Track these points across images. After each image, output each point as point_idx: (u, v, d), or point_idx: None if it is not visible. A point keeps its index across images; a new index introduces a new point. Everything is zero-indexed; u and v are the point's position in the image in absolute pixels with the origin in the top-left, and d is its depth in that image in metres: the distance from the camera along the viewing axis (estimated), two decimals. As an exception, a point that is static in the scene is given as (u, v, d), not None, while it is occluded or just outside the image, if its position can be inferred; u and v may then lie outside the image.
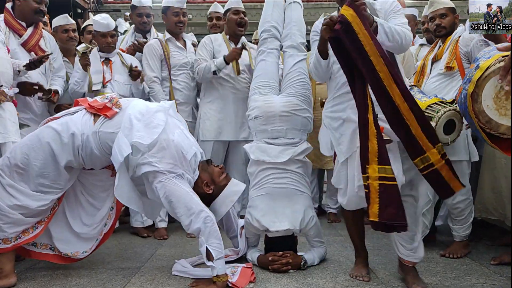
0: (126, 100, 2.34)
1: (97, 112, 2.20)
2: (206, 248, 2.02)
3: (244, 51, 3.17)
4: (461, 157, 2.51)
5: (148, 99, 3.07)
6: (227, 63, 3.10)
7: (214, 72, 3.09)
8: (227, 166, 3.30)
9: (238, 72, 3.16)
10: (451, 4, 2.75)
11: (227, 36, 3.28)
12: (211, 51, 3.20)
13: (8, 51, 2.55)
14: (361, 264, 2.26)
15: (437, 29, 2.68)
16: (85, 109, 2.25)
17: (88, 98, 2.37)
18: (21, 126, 2.59)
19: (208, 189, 2.24)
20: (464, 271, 2.30)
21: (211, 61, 3.13)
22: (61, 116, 2.27)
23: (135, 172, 2.15)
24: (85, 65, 3.00)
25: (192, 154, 2.20)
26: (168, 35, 3.33)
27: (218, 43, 3.24)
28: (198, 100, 3.44)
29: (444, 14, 2.68)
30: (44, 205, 2.17)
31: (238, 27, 3.23)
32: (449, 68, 2.56)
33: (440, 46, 2.71)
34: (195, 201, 2.09)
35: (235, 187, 2.32)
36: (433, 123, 2.10)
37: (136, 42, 3.42)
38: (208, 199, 2.24)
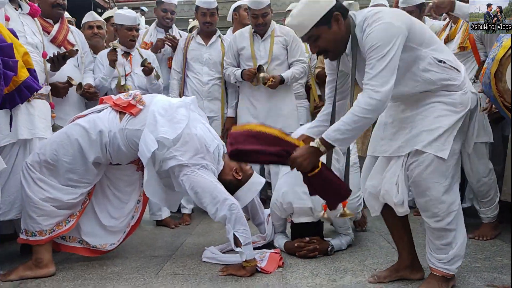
0: (149, 96, 2.41)
1: (122, 110, 2.28)
2: (234, 234, 2.07)
3: (268, 42, 3.24)
4: (480, 139, 2.45)
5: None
6: (243, 79, 3.23)
7: (236, 82, 3.27)
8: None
9: (255, 85, 3.23)
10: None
11: (253, 30, 3.31)
12: (235, 52, 3.32)
13: (45, 55, 2.62)
14: (392, 268, 2.01)
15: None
16: (111, 107, 2.33)
17: (112, 96, 2.44)
18: (57, 127, 2.64)
19: (237, 175, 2.34)
20: (494, 252, 2.28)
21: (234, 71, 3.25)
22: (87, 114, 2.35)
23: (161, 167, 2.23)
24: (113, 61, 3.08)
25: (215, 146, 2.29)
26: (195, 32, 3.46)
27: (242, 39, 3.31)
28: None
29: None
30: (75, 198, 2.26)
31: (257, 27, 3.26)
32: (462, 48, 2.55)
33: (451, 26, 2.67)
34: (219, 189, 2.16)
35: (259, 178, 2.46)
36: None
37: (169, 37, 3.49)
38: (234, 186, 2.32)
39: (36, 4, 2.70)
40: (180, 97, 3.25)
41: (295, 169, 1.75)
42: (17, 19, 2.49)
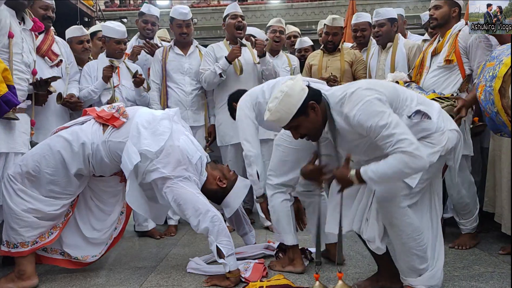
0: (132, 109, 2.42)
1: (106, 122, 2.29)
2: (217, 246, 2.09)
3: (245, 49, 3.27)
4: (462, 152, 2.52)
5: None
6: (230, 63, 3.20)
7: (221, 75, 3.19)
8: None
9: (241, 71, 3.25)
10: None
11: (228, 42, 3.39)
12: (214, 59, 3.32)
13: (35, 73, 2.61)
14: (373, 277, 2.04)
15: (429, 20, 2.75)
16: (94, 118, 2.34)
17: (96, 108, 2.45)
18: (35, 144, 2.56)
19: (222, 184, 2.37)
20: (473, 261, 2.34)
21: (214, 65, 3.23)
22: (70, 126, 2.36)
23: (144, 179, 2.24)
24: (108, 77, 3.10)
25: (198, 158, 2.32)
26: (172, 43, 3.47)
27: (220, 50, 3.35)
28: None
29: (438, 6, 2.68)
30: (57, 209, 2.26)
31: (236, 31, 3.33)
32: (448, 61, 2.57)
33: (439, 40, 2.73)
34: (202, 201, 2.18)
35: (243, 181, 2.49)
36: None
37: (147, 44, 3.51)
38: (221, 194, 2.36)
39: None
40: (163, 108, 3.29)
41: None
42: (19, 34, 2.49)
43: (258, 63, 3.31)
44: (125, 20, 10.00)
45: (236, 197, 2.41)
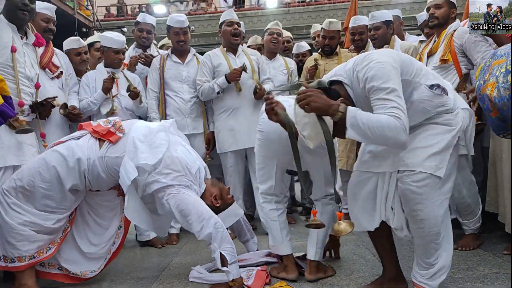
0: (128, 123, 2.41)
1: (102, 137, 2.28)
2: (220, 253, 2.07)
3: (244, 57, 3.30)
4: (461, 151, 2.52)
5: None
6: (229, 82, 3.21)
7: (218, 92, 3.23)
8: (248, 173, 3.43)
9: (240, 89, 3.26)
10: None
11: (225, 49, 3.39)
12: (211, 69, 3.31)
13: (38, 86, 2.63)
14: (376, 281, 2.03)
15: (430, 19, 2.72)
16: (90, 133, 2.33)
17: (92, 122, 2.44)
18: None
19: (216, 202, 2.33)
20: (477, 262, 2.32)
21: (213, 81, 3.23)
22: (66, 140, 2.34)
23: (144, 191, 2.23)
24: (108, 89, 3.11)
25: (196, 168, 2.30)
26: (169, 52, 3.47)
27: (217, 57, 3.35)
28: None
29: (439, 5, 2.70)
30: (52, 223, 2.23)
31: (233, 37, 3.33)
32: (443, 61, 2.59)
33: (435, 41, 2.73)
34: (204, 207, 2.17)
35: (237, 209, 2.48)
36: None
37: (142, 55, 3.52)
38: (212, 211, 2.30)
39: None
40: (162, 116, 3.30)
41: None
42: (21, 49, 2.50)
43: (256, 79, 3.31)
44: (124, 29, 10.05)
45: (225, 219, 2.34)
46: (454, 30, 2.63)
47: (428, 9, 2.77)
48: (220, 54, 3.38)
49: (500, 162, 2.59)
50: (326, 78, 1.86)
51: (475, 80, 2.19)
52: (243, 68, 3.21)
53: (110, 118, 2.41)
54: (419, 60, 2.76)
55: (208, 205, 2.27)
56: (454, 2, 2.72)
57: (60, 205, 2.25)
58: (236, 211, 2.48)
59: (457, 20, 2.76)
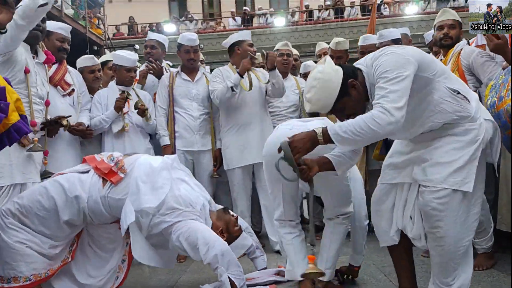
0: (131, 159, 2.35)
1: (104, 176, 2.25)
2: (228, 277, 2.02)
3: (251, 74, 3.29)
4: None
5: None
6: (242, 76, 3.21)
7: (232, 89, 3.19)
8: (255, 189, 3.40)
9: (251, 86, 3.23)
10: (459, 19, 2.83)
11: (234, 66, 3.40)
12: (222, 78, 3.32)
13: (48, 104, 2.68)
14: None
15: (444, 38, 2.75)
16: (93, 169, 2.29)
17: (96, 156, 2.39)
18: (48, 173, 2.64)
19: (222, 236, 2.26)
20: (490, 283, 2.27)
21: (225, 83, 3.23)
22: (70, 172, 2.32)
23: (151, 231, 2.18)
24: (120, 108, 3.15)
25: (201, 204, 2.27)
26: (179, 69, 3.51)
27: (227, 72, 3.37)
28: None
29: (453, 26, 2.75)
30: (48, 247, 2.20)
31: (251, 55, 3.31)
32: None
33: (441, 59, 2.76)
34: (212, 232, 2.15)
35: (244, 240, 2.43)
36: None
37: (149, 65, 3.57)
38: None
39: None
40: (171, 132, 3.31)
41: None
42: (33, 68, 2.54)
43: (267, 82, 3.30)
44: (137, 47, 10.22)
45: (243, 240, 2.37)
46: (461, 49, 2.64)
47: (441, 28, 2.77)
48: (230, 70, 3.40)
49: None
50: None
51: (485, 98, 2.18)
52: (252, 58, 3.20)
53: (114, 155, 2.36)
54: None
55: None
56: (461, 22, 2.76)
57: (55, 233, 2.21)
58: (244, 242, 2.43)
59: (464, 39, 2.78)
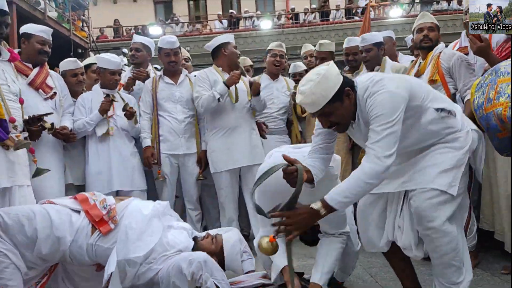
0: (122, 205, 2.27)
1: (94, 224, 2.15)
2: (214, 282, 2.01)
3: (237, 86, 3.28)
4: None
5: None
6: (228, 88, 3.19)
7: (219, 99, 3.17)
8: (242, 192, 3.39)
9: (237, 99, 3.24)
10: (437, 23, 2.92)
11: (220, 68, 3.37)
12: (208, 83, 3.29)
13: (22, 101, 2.62)
14: None
15: (424, 40, 2.80)
16: (84, 212, 2.19)
17: (89, 198, 2.25)
18: (41, 171, 2.61)
19: (215, 259, 2.22)
20: (475, 282, 2.29)
21: (212, 90, 3.21)
22: (61, 205, 2.21)
23: (138, 281, 2.13)
24: (105, 111, 3.10)
25: (190, 249, 2.24)
26: (161, 73, 3.48)
27: (212, 74, 3.34)
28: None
29: (432, 28, 2.81)
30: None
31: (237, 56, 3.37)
32: (432, 81, 2.67)
33: (420, 63, 2.84)
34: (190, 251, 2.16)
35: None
36: None
37: (135, 71, 3.52)
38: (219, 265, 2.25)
39: (16, 50, 2.73)
40: (155, 136, 3.28)
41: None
42: None
43: (250, 99, 3.32)
44: (125, 50, 10.12)
45: (233, 262, 2.32)
46: (440, 52, 2.73)
47: (421, 30, 2.82)
48: (215, 71, 3.36)
49: (495, 180, 2.60)
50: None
51: (472, 96, 2.19)
52: (242, 72, 3.21)
53: (107, 201, 2.24)
54: None
55: None
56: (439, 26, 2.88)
57: (28, 259, 2.09)
58: (231, 240, 2.38)
59: (442, 43, 2.87)
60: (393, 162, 1.67)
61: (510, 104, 1.88)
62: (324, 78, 1.71)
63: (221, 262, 2.26)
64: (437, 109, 1.77)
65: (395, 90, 1.69)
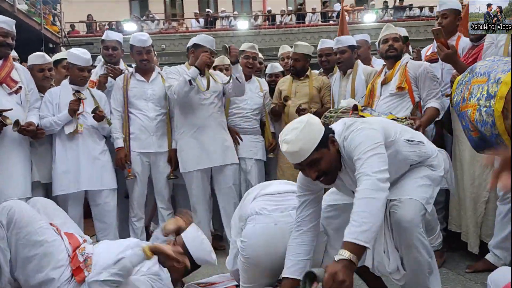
0: (94, 251, 2.19)
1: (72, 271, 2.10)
2: None
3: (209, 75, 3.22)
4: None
5: None
6: (199, 70, 3.10)
7: (190, 82, 3.09)
8: (214, 191, 3.34)
9: (208, 86, 3.16)
10: (404, 33, 3.10)
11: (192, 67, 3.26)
12: (179, 75, 3.20)
13: None
14: None
15: (389, 50, 2.91)
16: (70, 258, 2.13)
17: (79, 239, 2.24)
18: None
19: (179, 265, 2.15)
20: (441, 281, 2.36)
21: (183, 77, 3.11)
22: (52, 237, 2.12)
23: None
24: (74, 111, 3.00)
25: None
26: (133, 71, 3.39)
27: (183, 72, 3.22)
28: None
29: (396, 39, 2.92)
30: None
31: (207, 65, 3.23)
32: (400, 88, 2.79)
33: (386, 72, 2.95)
34: None
35: (189, 235, 2.30)
36: None
37: (109, 68, 3.43)
38: (192, 265, 2.22)
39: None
40: (126, 135, 3.21)
41: None
42: None
43: (226, 82, 3.25)
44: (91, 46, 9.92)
45: (201, 254, 2.24)
46: (407, 62, 2.86)
47: (386, 41, 2.93)
48: (186, 69, 3.26)
49: (461, 182, 2.69)
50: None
51: (452, 93, 2.24)
52: (212, 52, 3.15)
53: (86, 249, 2.18)
54: (372, 89, 2.96)
55: (181, 269, 2.17)
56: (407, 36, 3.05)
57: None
58: (194, 234, 2.31)
59: (407, 54, 3.05)
60: (388, 179, 1.60)
61: (478, 106, 1.91)
62: (308, 125, 1.69)
63: (192, 260, 2.21)
64: (407, 140, 1.82)
65: (370, 127, 1.71)
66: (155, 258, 2.11)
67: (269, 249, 1.95)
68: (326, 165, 1.71)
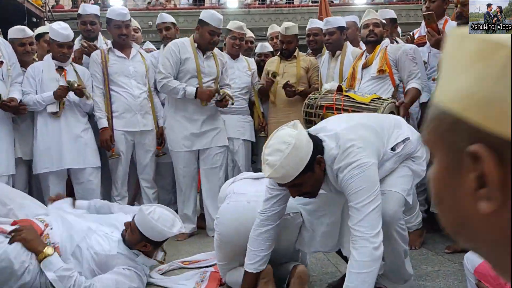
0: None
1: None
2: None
3: (211, 60, 3.19)
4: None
5: None
6: (196, 97, 3.08)
7: (184, 95, 3.08)
8: (200, 172, 3.33)
9: (206, 105, 3.15)
10: (393, 15, 3.23)
11: (196, 44, 3.20)
12: (177, 61, 3.13)
13: None
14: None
15: (370, 35, 2.93)
16: None
17: (40, 225, 2.14)
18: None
19: (146, 248, 2.14)
20: (420, 261, 2.43)
21: (183, 86, 3.07)
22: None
23: None
24: (61, 97, 2.92)
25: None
26: (110, 45, 3.29)
27: (185, 50, 3.16)
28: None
29: (377, 24, 2.93)
30: None
31: (210, 45, 3.20)
32: (381, 71, 2.82)
33: (366, 55, 2.97)
34: None
35: (139, 216, 2.18)
36: (379, 112, 2.31)
37: (84, 44, 3.32)
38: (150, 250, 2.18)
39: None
40: (108, 113, 3.13)
41: None
42: None
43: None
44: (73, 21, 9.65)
45: (148, 229, 2.10)
46: (387, 46, 2.89)
47: (366, 26, 2.95)
48: (190, 47, 3.18)
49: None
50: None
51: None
52: (216, 91, 3.08)
53: (50, 237, 2.10)
54: (353, 72, 2.98)
55: (145, 251, 2.15)
56: (385, 22, 3.06)
57: None
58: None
59: (387, 38, 3.06)
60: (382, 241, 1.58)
61: None
62: (295, 149, 1.55)
63: (148, 240, 2.11)
64: (391, 149, 1.82)
65: (367, 160, 1.62)
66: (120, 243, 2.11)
67: (240, 227, 1.95)
68: (308, 187, 1.67)
